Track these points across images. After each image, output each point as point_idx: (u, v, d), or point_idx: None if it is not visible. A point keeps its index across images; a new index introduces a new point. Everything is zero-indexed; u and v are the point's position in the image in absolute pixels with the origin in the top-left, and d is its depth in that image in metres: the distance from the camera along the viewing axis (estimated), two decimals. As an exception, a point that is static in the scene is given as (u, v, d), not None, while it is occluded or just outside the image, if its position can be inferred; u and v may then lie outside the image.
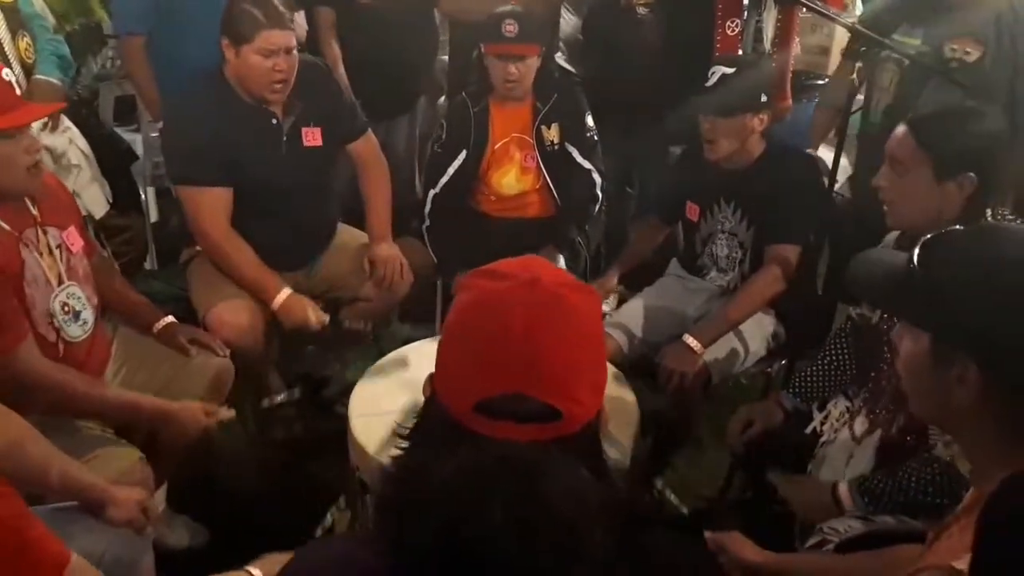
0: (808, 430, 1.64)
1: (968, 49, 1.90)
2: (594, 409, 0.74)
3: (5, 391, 1.34)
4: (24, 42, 2.00)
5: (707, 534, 1.21)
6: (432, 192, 2.37)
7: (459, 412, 0.71)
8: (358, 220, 2.36)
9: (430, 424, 0.76)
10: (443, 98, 2.99)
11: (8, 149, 1.42)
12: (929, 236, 0.90)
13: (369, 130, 2.24)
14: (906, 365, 0.89)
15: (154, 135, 2.82)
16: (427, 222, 2.40)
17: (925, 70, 1.90)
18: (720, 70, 1.92)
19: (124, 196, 2.81)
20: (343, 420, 1.64)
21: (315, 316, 2.01)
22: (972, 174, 1.37)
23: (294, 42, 1.93)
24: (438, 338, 0.78)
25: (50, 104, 1.53)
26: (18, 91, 1.46)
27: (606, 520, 0.68)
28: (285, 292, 2.00)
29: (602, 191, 2.40)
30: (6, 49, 1.94)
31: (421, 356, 1.76)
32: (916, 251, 0.88)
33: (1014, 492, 0.71)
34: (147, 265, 3.04)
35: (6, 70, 1.45)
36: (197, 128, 1.94)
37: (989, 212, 1.41)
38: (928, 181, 1.39)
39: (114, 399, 1.58)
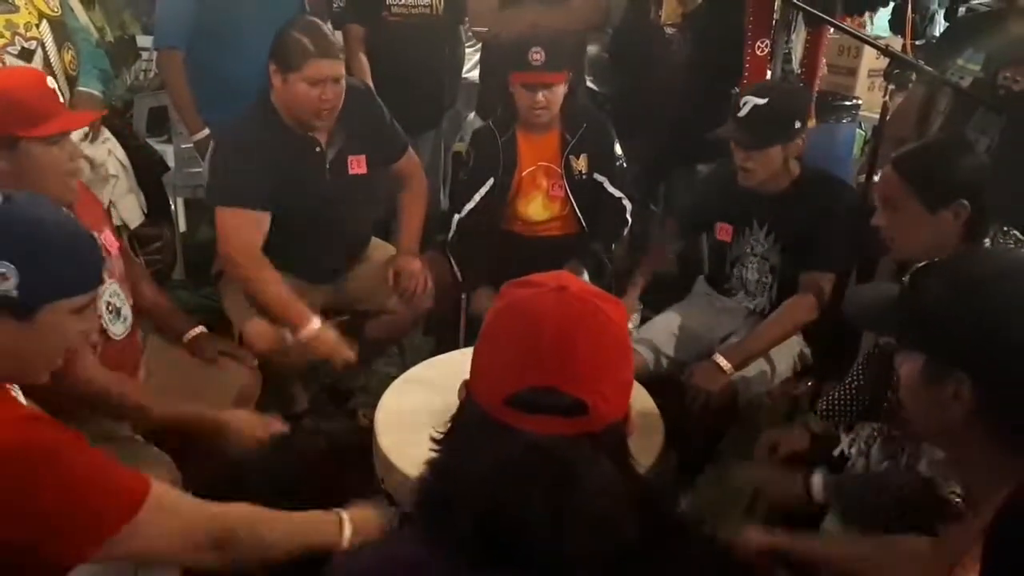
0: (835, 453, 1.63)
1: (1019, 77, 1.90)
2: (621, 409, 0.77)
3: (63, 399, 1.36)
4: (69, 54, 2.06)
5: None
6: (457, 216, 2.37)
7: (492, 407, 0.74)
8: (381, 230, 2.39)
9: (465, 424, 0.79)
10: (472, 114, 3.01)
11: (50, 155, 1.45)
12: (920, 265, 0.97)
13: (410, 147, 2.27)
14: (905, 387, 0.93)
15: (186, 147, 2.88)
16: (451, 241, 2.41)
17: (962, 94, 1.90)
18: (752, 100, 1.87)
19: (155, 206, 2.86)
20: (367, 432, 1.65)
21: (340, 357, 1.93)
22: (964, 201, 1.40)
23: (343, 71, 1.95)
24: (463, 351, 0.81)
25: (89, 112, 1.58)
26: (61, 99, 1.50)
27: (633, 512, 0.72)
28: (314, 325, 1.91)
29: (631, 215, 2.40)
30: (52, 61, 2.00)
31: (446, 369, 1.76)
32: (907, 278, 0.95)
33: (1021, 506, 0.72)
34: (175, 275, 3.09)
35: (50, 79, 1.50)
36: (243, 153, 1.95)
37: (992, 232, 1.45)
38: (921, 214, 1.43)
39: (168, 411, 1.58)
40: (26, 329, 1.02)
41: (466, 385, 0.80)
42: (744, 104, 1.88)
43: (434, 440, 0.80)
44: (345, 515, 1.19)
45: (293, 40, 1.89)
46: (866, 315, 1.04)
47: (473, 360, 0.80)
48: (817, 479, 1.42)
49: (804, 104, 2.10)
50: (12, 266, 0.98)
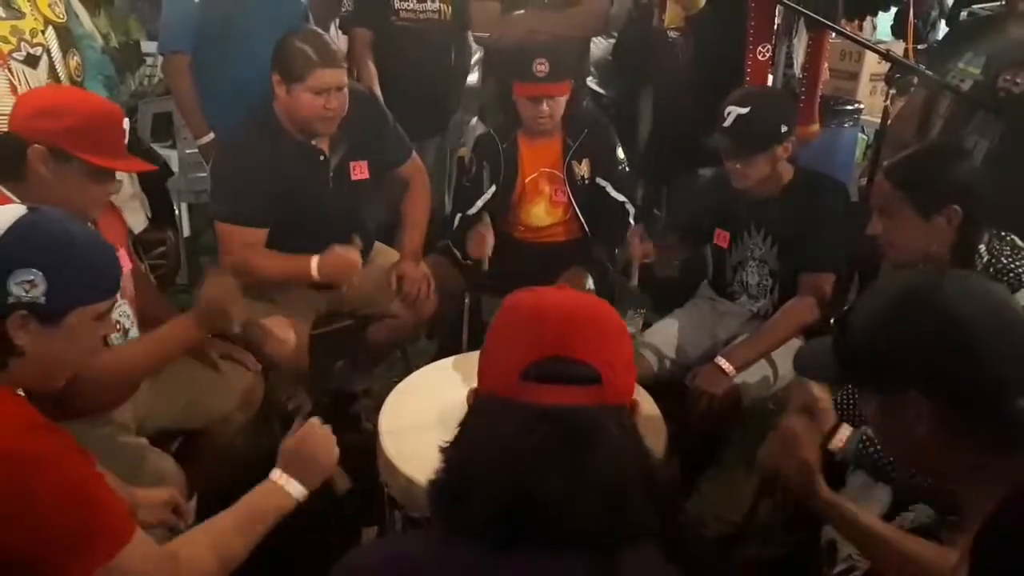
0: (838, 457, 1.63)
1: (1019, 80, 1.91)
2: (629, 386, 0.81)
3: (82, 392, 1.35)
4: (74, 61, 2.07)
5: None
6: (460, 215, 2.38)
7: (507, 386, 0.77)
8: (385, 234, 2.39)
9: (478, 417, 0.82)
10: (474, 119, 3.02)
11: (90, 183, 1.48)
12: (842, 311, 1.00)
13: (414, 152, 2.27)
14: (875, 430, 0.97)
15: (190, 152, 2.89)
16: (455, 233, 2.40)
17: (962, 97, 1.91)
18: (735, 111, 1.88)
19: (159, 211, 2.87)
20: (371, 436, 1.66)
21: (356, 260, 1.98)
22: (956, 206, 1.43)
23: (345, 79, 1.96)
24: (466, 355, 0.84)
25: (143, 162, 1.67)
26: (126, 139, 1.53)
27: (647, 487, 0.76)
28: (314, 261, 1.98)
29: (634, 219, 2.39)
30: (58, 67, 2.01)
31: (450, 373, 1.76)
32: (833, 325, 0.98)
33: (1010, 512, 0.73)
34: (179, 279, 3.10)
35: (126, 119, 1.53)
36: (244, 170, 1.97)
37: (987, 237, 1.48)
38: (915, 220, 1.47)
39: (172, 343, 1.55)
40: (53, 334, 1.05)
41: (473, 392, 0.83)
42: (728, 114, 1.89)
43: (442, 449, 0.82)
44: (280, 476, 1.24)
45: (296, 50, 1.90)
46: (812, 369, 1.09)
47: (482, 355, 0.83)
48: (842, 435, 1.42)
49: (788, 108, 2.11)
50: (40, 273, 1.02)
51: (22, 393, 1.10)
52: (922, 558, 1.10)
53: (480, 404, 0.81)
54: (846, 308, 1.00)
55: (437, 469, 0.81)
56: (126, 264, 1.69)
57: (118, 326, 1.61)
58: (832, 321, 0.99)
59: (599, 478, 0.73)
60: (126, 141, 1.52)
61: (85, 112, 1.48)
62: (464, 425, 0.82)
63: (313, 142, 2.03)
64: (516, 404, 0.76)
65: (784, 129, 1.92)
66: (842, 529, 1.24)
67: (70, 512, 0.97)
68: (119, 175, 2.27)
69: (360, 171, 2.11)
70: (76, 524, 0.98)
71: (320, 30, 2.11)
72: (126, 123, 1.53)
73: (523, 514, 0.72)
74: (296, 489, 1.25)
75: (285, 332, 1.97)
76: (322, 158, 2.04)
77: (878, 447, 1.40)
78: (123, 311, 1.64)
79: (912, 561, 1.10)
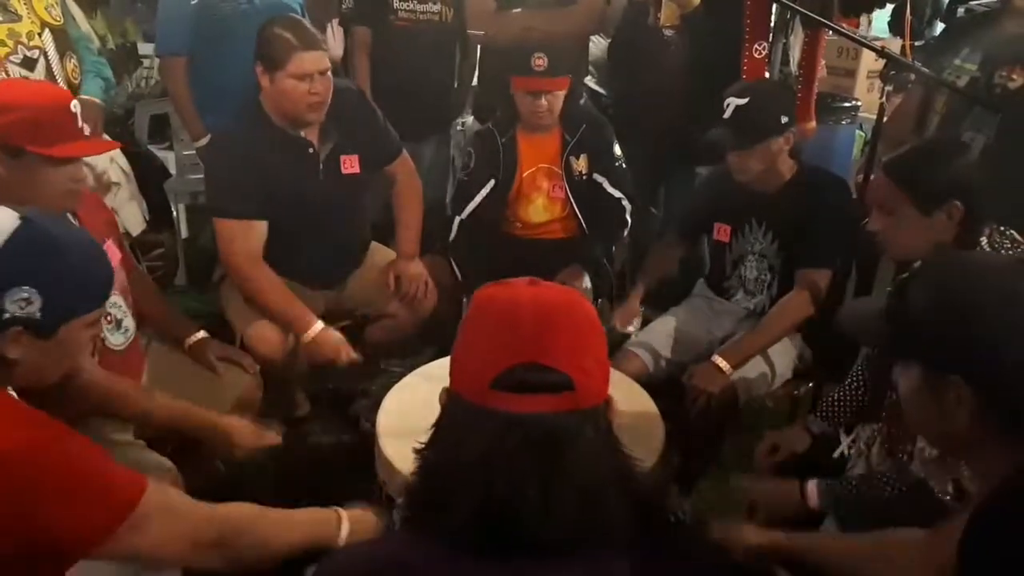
0: (836, 455, 1.63)
1: (1014, 76, 1.91)
2: (603, 388, 0.79)
3: (55, 391, 1.37)
4: (71, 63, 2.07)
5: (715, 526, 1.26)
6: (458, 219, 2.39)
7: (478, 393, 0.76)
8: (383, 235, 2.39)
9: (451, 420, 0.80)
10: (470, 117, 3.02)
11: (53, 174, 1.45)
12: (902, 276, 0.96)
13: (404, 150, 2.27)
14: (907, 401, 0.93)
15: (187, 153, 2.89)
16: (452, 243, 2.42)
17: (959, 94, 1.91)
18: (733, 102, 1.89)
19: (156, 213, 2.87)
20: (369, 436, 1.66)
21: (345, 354, 1.95)
22: (957, 201, 1.42)
23: (327, 63, 1.95)
24: None
25: (104, 142, 1.61)
26: (80, 123, 1.49)
27: (624, 490, 0.74)
28: (317, 327, 1.95)
29: (631, 216, 2.40)
30: (55, 70, 2.01)
31: (447, 372, 1.76)
32: (891, 291, 0.94)
33: (999, 502, 0.73)
34: (177, 281, 3.10)
35: (74, 102, 1.49)
36: (237, 163, 1.96)
37: (988, 231, 1.47)
38: (915, 216, 1.45)
39: (163, 408, 1.56)
40: (46, 345, 1.07)
41: (446, 391, 0.81)
42: (727, 106, 1.90)
43: (417, 451, 0.82)
44: (344, 513, 1.21)
45: (275, 36, 1.89)
46: (858, 329, 1.05)
47: (453, 357, 0.81)
48: (812, 487, 1.42)
49: (787, 99, 2.11)
50: (35, 291, 1.03)
51: (13, 393, 1.11)
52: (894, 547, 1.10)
53: (452, 408, 0.79)
54: (907, 274, 0.98)
55: (412, 472, 0.80)
56: (115, 256, 1.67)
57: (109, 318, 1.61)
58: (891, 288, 0.96)
59: (575, 484, 0.72)
60: (79, 124, 1.48)
61: (30, 103, 1.43)
62: (438, 427, 0.81)
63: (302, 133, 2.02)
64: (487, 412, 0.74)
65: (784, 120, 1.92)
66: (812, 560, 1.22)
67: (72, 496, 0.98)
68: (115, 177, 2.29)
69: (351, 165, 2.10)
70: (77, 506, 0.98)
71: (299, 17, 2.10)
72: (74, 105, 1.47)
73: (499, 521, 0.72)
74: (343, 535, 1.20)
75: (277, 334, 1.96)
76: (311, 150, 2.04)
77: (849, 488, 1.41)
78: (114, 302, 1.63)
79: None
